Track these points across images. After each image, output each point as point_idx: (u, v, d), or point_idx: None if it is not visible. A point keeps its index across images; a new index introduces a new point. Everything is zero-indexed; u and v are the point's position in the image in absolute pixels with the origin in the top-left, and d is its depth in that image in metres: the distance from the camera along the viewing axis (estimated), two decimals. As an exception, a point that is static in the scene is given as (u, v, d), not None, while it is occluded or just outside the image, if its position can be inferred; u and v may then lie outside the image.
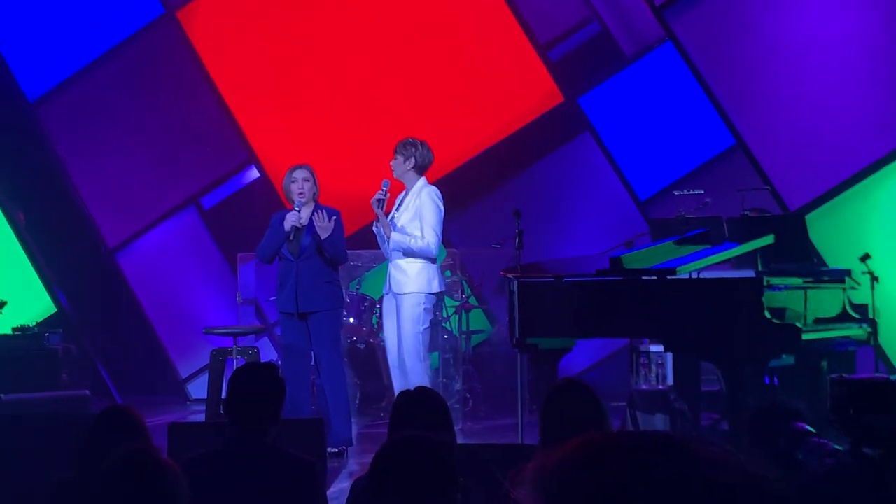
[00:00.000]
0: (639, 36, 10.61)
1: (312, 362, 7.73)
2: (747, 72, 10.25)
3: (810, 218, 8.65)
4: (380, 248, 7.69)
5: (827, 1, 10.18)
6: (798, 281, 6.91)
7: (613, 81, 10.62)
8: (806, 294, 6.84)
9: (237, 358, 8.60)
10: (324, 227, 7.35)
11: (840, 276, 7.41)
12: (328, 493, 5.14)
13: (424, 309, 7.43)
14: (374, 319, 9.66)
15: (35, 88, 11.18)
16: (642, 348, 8.42)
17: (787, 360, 6.78)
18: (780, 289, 6.64)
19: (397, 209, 7.58)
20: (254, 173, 11.15)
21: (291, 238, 7.48)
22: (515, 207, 7.40)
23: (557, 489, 1.26)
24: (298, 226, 7.46)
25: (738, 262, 7.17)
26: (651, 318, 6.45)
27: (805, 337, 6.41)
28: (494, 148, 10.79)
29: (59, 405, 9.05)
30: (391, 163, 7.57)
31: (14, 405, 8.84)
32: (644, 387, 8.14)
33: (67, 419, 6.51)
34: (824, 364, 7.17)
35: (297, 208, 7.48)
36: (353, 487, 3.84)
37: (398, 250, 7.43)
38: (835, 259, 9.40)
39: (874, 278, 8.04)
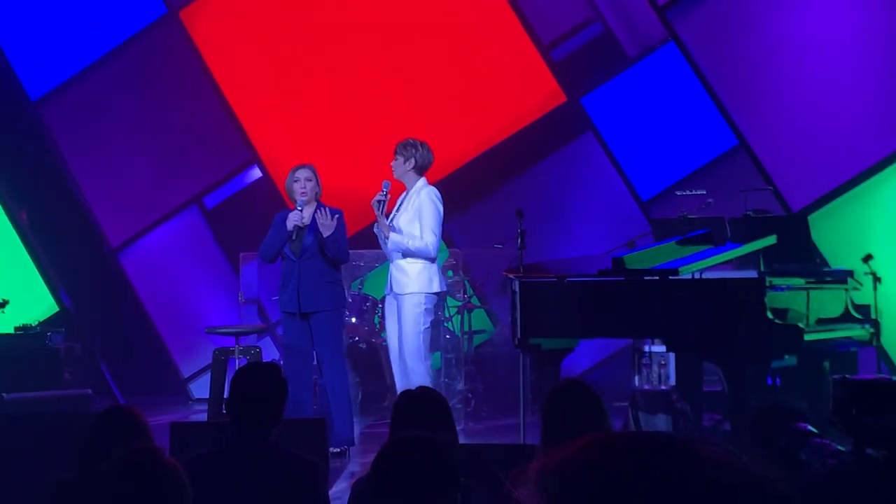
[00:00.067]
0: (642, 36, 10.60)
1: (314, 362, 7.72)
2: (750, 72, 10.24)
3: (813, 218, 8.64)
4: (381, 249, 7.71)
5: (830, 1, 10.17)
6: (800, 281, 6.90)
7: (616, 82, 10.62)
8: (808, 295, 6.83)
9: (239, 358, 8.60)
10: (326, 225, 7.36)
11: (842, 277, 7.40)
12: (330, 492, 5.14)
13: (425, 309, 7.43)
14: (376, 319, 9.67)
15: (38, 88, 11.18)
16: (644, 348, 8.42)
17: (790, 360, 6.77)
18: (782, 289, 6.63)
19: (397, 210, 7.59)
20: (256, 173, 11.16)
21: (294, 238, 7.49)
22: (518, 207, 7.40)
23: (559, 489, 1.26)
24: (301, 225, 7.46)
25: (741, 262, 7.16)
26: (653, 318, 6.44)
27: (807, 337, 6.40)
28: (497, 148, 10.79)
29: (62, 404, 9.06)
30: (391, 164, 7.58)
31: (16, 404, 8.84)
32: (646, 387, 8.13)
33: (69, 418, 6.50)
34: (826, 365, 7.17)
35: (299, 208, 7.48)
36: (354, 487, 3.84)
37: (397, 251, 7.45)
38: (837, 260, 9.39)
39: (877, 279, 8.03)
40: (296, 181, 7.54)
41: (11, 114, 11.10)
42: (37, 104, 11.18)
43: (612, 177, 10.56)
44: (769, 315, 6.28)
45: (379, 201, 7.44)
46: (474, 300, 10.09)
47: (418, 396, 4.04)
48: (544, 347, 6.87)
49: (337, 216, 7.43)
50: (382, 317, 9.19)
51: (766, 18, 10.25)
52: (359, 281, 9.84)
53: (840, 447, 3.77)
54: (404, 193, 7.64)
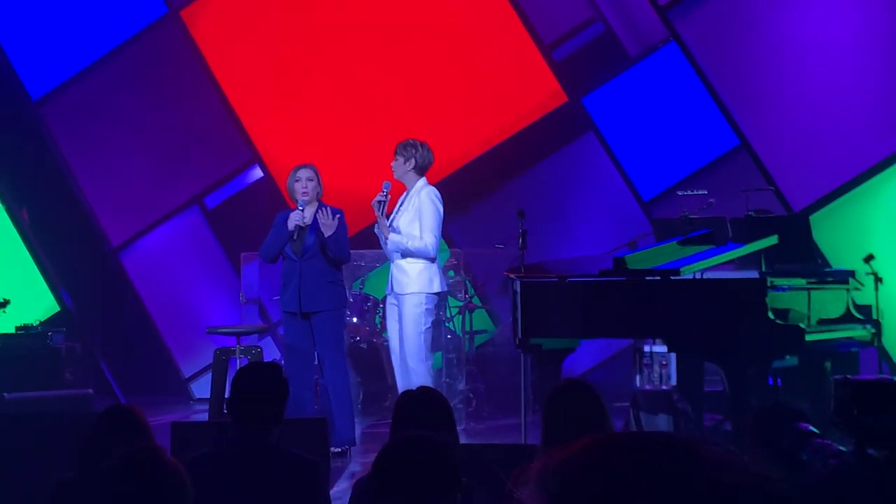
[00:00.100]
0: (643, 36, 10.60)
1: (316, 362, 7.72)
2: (751, 72, 10.24)
3: (814, 218, 8.64)
4: (382, 249, 7.72)
5: (832, 1, 10.17)
6: (802, 282, 6.90)
7: (617, 81, 10.61)
8: (810, 295, 6.83)
9: (240, 357, 8.60)
10: (328, 225, 7.36)
11: (844, 277, 7.40)
12: (331, 492, 5.14)
13: (426, 309, 7.44)
14: (378, 319, 9.67)
15: (38, 87, 11.18)
16: (646, 349, 8.42)
17: (791, 360, 6.77)
18: (783, 289, 6.63)
19: (398, 210, 7.60)
20: (257, 173, 11.16)
21: (295, 237, 7.49)
22: (519, 207, 7.40)
23: (560, 489, 1.26)
24: (302, 225, 7.46)
25: (742, 262, 7.16)
26: (655, 318, 6.44)
27: (809, 338, 6.40)
28: (498, 148, 10.79)
29: (63, 404, 9.06)
30: (391, 164, 7.60)
31: (17, 404, 8.84)
32: (647, 387, 8.13)
33: (70, 418, 6.51)
34: (828, 365, 7.16)
35: (300, 208, 7.48)
36: (356, 487, 3.84)
37: (396, 251, 7.46)
38: (839, 260, 9.39)
39: (878, 279, 8.02)
40: (297, 181, 7.55)
41: (12, 113, 11.10)
42: (37, 104, 11.18)
43: (613, 177, 10.56)
44: (770, 315, 6.28)
45: (379, 202, 7.45)
46: (475, 300, 10.09)
47: (419, 396, 4.04)
48: (545, 347, 6.86)
49: (338, 216, 7.44)
50: (383, 317, 9.19)
51: (768, 18, 10.25)
52: (360, 281, 9.84)
53: (841, 447, 3.77)
54: (405, 194, 7.64)
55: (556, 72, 10.70)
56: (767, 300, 6.29)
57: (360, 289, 9.81)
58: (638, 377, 8.43)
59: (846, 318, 7.15)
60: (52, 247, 11.06)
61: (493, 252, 9.60)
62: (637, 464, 1.25)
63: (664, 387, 8.05)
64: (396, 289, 7.50)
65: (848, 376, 4.49)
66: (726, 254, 6.82)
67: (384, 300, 8.36)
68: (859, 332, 7.21)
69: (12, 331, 9.55)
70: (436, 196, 7.53)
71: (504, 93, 10.77)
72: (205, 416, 9.15)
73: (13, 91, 11.11)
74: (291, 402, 4.21)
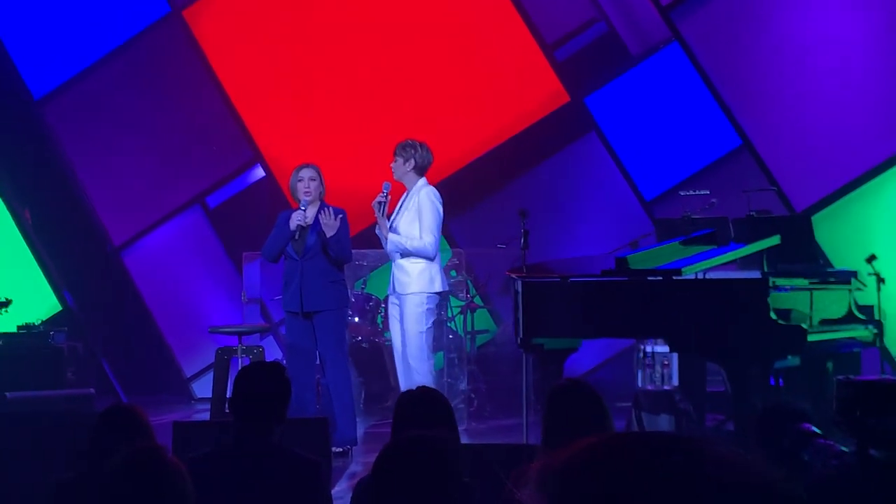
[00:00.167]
0: (645, 36, 10.59)
1: (317, 362, 7.72)
2: (753, 72, 10.24)
3: (816, 219, 8.63)
4: (384, 249, 7.73)
5: (834, 1, 10.16)
6: (804, 282, 6.89)
7: (620, 81, 10.61)
8: (812, 295, 6.82)
9: (242, 357, 8.60)
10: (330, 225, 7.36)
11: (846, 278, 7.39)
12: (332, 492, 5.13)
13: (427, 309, 7.44)
14: (379, 319, 9.67)
15: (41, 86, 11.19)
16: (648, 349, 8.41)
17: (793, 361, 6.76)
18: (785, 290, 6.62)
19: (398, 211, 7.60)
20: (259, 172, 11.16)
21: (297, 237, 7.49)
22: (521, 207, 7.40)
23: (561, 490, 1.26)
24: (304, 225, 7.46)
25: (744, 262, 7.16)
26: (656, 318, 6.43)
27: (811, 338, 6.39)
28: (500, 147, 10.78)
29: (64, 404, 9.06)
30: (391, 165, 7.61)
31: (19, 403, 8.84)
32: (649, 387, 8.13)
33: (72, 418, 6.51)
34: (830, 365, 7.16)
35: (302, 207, 7.48)
36: (357, 487, 3.83)
37: (396, 251, 7.47)
38: (841, 260, 9.38)
39: (880, 280, 8.02)
40: (299, 181, 7.55)
41: (14, 112, 11.10)
42: (40, 103, 11.18)
43: (615, 177, 10.55)
44: (772, 315, 6.27)
45: (379, 203, 7.47)
46: (477, 300, 10.08)
47: (420, 396, 4.04)
48: (547, 347, 6.86)
49: (340, 216, 7.44)
50: (385, 316, 9.19)
51: (770, 18, 10.24)
52: (362, 280, 9.84)
53: (843, 448, 3.77)
54: (405, 194, 7.65)
55: (559, 71, 10.70)
56: (769, 300, 6.28)
57: (362, 288, 9.81)
58: (640, 377, 8.43)
59: (848, 319, 7.14)
60: (53, 246, 11.06)
61: (494, 252, 9.60)
62: (639, 464, 1.25)
63: (666, 387, 8.05)
64: (398, 289, 7.51)
65: (850, 377, 4.48)
66: (728, 254, 6.82)
67: (386, 300, 8.37)
68: (861, 333, 7.20)
69: (14, 330, 9.55)
70: (435, 196, 7.54)
71: (506, 92, 10.77)
72: (206, 416, 9.15)
73: (15, 90, 11.11)
74: (293, 402, 4.21)
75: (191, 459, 3.52)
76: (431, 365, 7.55)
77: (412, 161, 7.55)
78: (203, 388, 10.67)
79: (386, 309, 8.71)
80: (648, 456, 1.26)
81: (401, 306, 7.49)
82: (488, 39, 10.82)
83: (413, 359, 7.38)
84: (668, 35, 10.43)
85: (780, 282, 6.62)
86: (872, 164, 9.95)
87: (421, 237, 7.42)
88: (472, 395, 9.46)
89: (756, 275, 6.86)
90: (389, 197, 7.51)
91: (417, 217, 7.46)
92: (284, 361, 8.43)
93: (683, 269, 6.48)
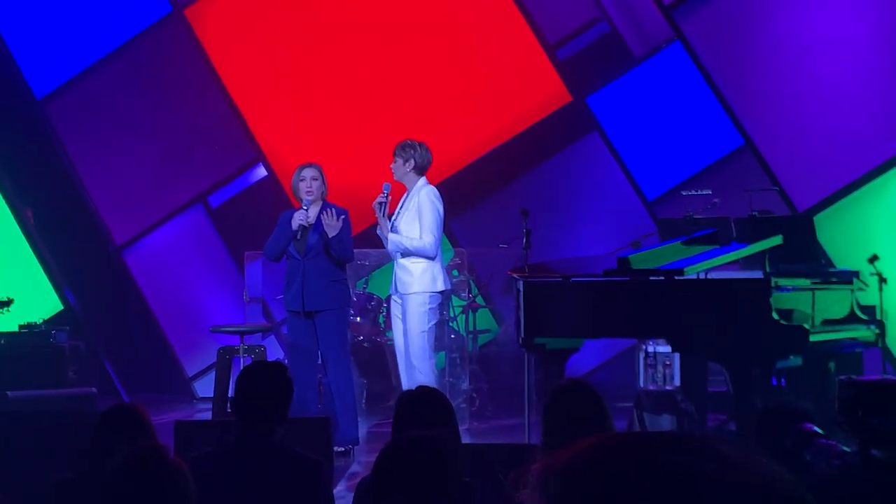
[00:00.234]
0: (647, 36, 10.59)
1: (319, 361, 7.72)
2: (756, 72, 10.23)
3: (818, 219, 8.63)
4: (385, 249, 7.74)
5: (837, 1, 10.15)
6: (806, 282, 6.89)
7: (622, 81, 10.61)
8: (814, 295, 6.82)
9: (244, 356, 8.60)
10: (332, 226, 7.36)
11: (848, 278, 7.39)
12: (334, 491, 5.13)
13: (430, 308, 7.45)
14: (381, 318, 9.67)
15: (43, 86, 11.18)
16: (649, 349, 8.41)
17: (795, 361, 6.76)
18: (787, 290, 6.62)
19: (399, 211, 7.61)
20: (261, 171, 11.16)
21: (299, 237, 7.49)
22: (523, 207, 7.41)
23: (562, 490, 1.25)
24: (306, 224, 7.46)
25: (746, 262, 7.15)
26: (658, 318, 6.43)
27: (813, 338, 6.39)
28: (502, 147, 10.78)
29: (66, 403, 9.06)
30: (391, 166, 7.62)
31: (21, 402, 8.84)
32: (651, 387, 8.13)
33: (73, 417, 6.51)
34: (832, 365, 7.16)
35: (305, 207, 7.48)
36: (359, 487, 3.83)
37: (397, 251, 7.48)
38: (843, 260, 9.37)
39: (882, 280, 8.01)
40: (302, 180, 7.55)
41: (17, 112, 11.10)
42: (41, 102, 11.18)
43: (617, 176, 10.55)
44: (774, 315, 6.27)
45: (380, 203, 7.48)
46: (479, 300, 10.08)
47: (420, 396, 4.04)
48: (549, 347, 6.85)
49: (342, 217, 7.44)
50: (387, 316, 9.19)
51: (772, 18, 10.24)
52: (364, 280, 9.84)
53: (845, 448, 3.77)
54: (405, 194, 7.66)
55: (561, 71, 10.69)
56: (771, 300, 6.28)
57: (364, 288, 9.81)
58: (641, 377, 8.43)
59: (850, 319, 7.14)
60: (55, 245, 11.06)
61: (496, 251, 9.59)
62: (640, 464, 1.24)
63: (668, 387, 8.04)
64: (400, 288, 7.51)
65: (852, 377, 4.47)
66: (730, 254, 6.81)
67: (388, 299, 8.37)
68: (863, 333, 7.20)
69: (16, 329, 9.55)
70: (435, 196, 7.54)
71: (508, 92, 10.76)
72: (208, 415, 9.15)
73: (17, 89, 11.11)
74: (295, 402, 4.21)
75: (193, 459, 3.52)
76: (433, 364, 7.56)
77: (412, 161, 7.55)
78: (205, 387, 10.67)
79: (388, 308, 8.71)
80: (650, 456, 1.25)
81: (403, 306, 7.49)
82: (490, 39, 10.82)
83: (415, 358, 7.38)
84: (671, 35, 10.42)
85: (782, 282, 6.62)
86: (875, 163, 9.95)
87: (421, 237, 7.43)
88: (474, 395, 9.46)
89: (758, 275, 6.86)
90: (390, 197, 7.52)
91: (418, 217, 7.46)
92: (286, 361, 8.43)
93: (685, 269, 6.48)
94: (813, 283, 6.93)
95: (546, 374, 6.91)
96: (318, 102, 10.96)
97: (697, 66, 10.31)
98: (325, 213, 7.41)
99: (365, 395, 9.47)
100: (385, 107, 10.82)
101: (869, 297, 7.71)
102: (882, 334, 7.39)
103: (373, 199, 7.58)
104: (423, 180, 7.59)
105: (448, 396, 4.28)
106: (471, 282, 9.99)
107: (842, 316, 7.08)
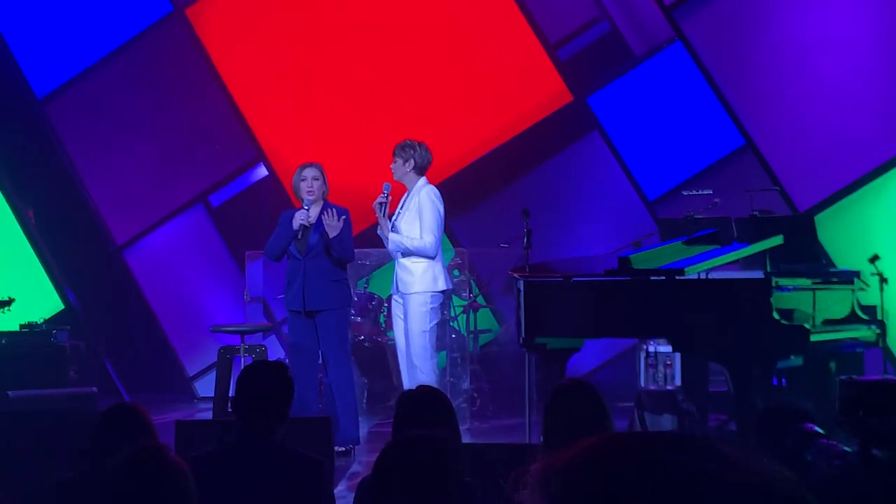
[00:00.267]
0: (648, 35, 10.59)
1: (320, 361, 7.73)
2: (757, 72, 10.23)
3: (819, 219, 8.62)
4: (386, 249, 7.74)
5: (837, 1, 10.15)
6: (807, 282, 6.89)
7: (622, 81, 10.60)
8: (814, 295, 6.82)
9: (245, 356, 8.60)
10: (332, 226, 7.37)
11: (849, 278, 7.39)
12: (335, 491, 5.13)
13: (431, 308, 7.45)
14: (382, 318, 9.67)
15: (43, 86, 11.18)
16: (650, 349, 8.41)
17: (796, 361, 6.76)
18: (788, 290, 6.62)
19: (399, 211, 7.62)
20: (262, 171, 11.15)
21: (299, 236, 7.49)
22: (524, 207, 7.41)
23: (563, 490, 1.25)
24: (307, 224, 7.47)
25: (747, 262, 7.15)
26: (659, 318, 6.43)
27: (813, 338, 6.39)
28: (503, 147, 10.78)
29: (67, 402, 9.05)
30: (391, 166, 7.63)
31: (21, 402, 8.84)
32: (652, 387, 8.12)
33: (74, 416, 6.51)
34: (833, 365, 7.16)
35: (305, 207, 7.49)
36: (359, 487, 3.83)
37: (397, 251, 7.48)
38: (844, 260, 9.37)
39: (883, 280, 8.01)
40: (303, 180, 7.55)
41: (17, 112, 11.10)
42: (42, 102, 11.18)
43: (618, 176, 10.55)
44: (775, 315, 6.27)
45: (380, 203, 7.49)
46: (480, 299, 10.08)
47: (420, 396, 4.04)
48: (550, 347, 6.86)
49: (343, 217, 7.44)
50: (388, 315, 9.20)
51: (773, 18, 10.23)
52: (364, 280, 9.85)
53: (846, 448, 3.76)
54: (406, 194, 7.66)
55: (562, 71, 10.69)
56: (772, 300, 6.28)
57: (365, 288, 9.81)
58: (642, 377, 8.42)
59: (851, 319, 7.14)
60: (56, 245, 11.06)
61: (497, 251, 9.59)
62: (641, 464, 1.24)
63: (669, 387, 8.04)
64: (401, 288, 7.52)
65: (853, 377, 4.47)
66: (731, 254, 6.81)
67: (389, 299, 8.37)
68: (864, 333, 7.20)
69: (17, 329, 9.56)
70: (435, 195, 7.55)
71: (509, 92, 10.76)
72: (209, 415, 9.16)
73: (18, 89, 11.11)
74: (295, 401, 4.21)
75: (193, 458, 3.52)
76: (434, 364, 7.56)
77: (411, 161, 7.56)
78: (206, 387, 10.67)
79: (389, 308, 8.71)
80: (651, 456, 1.25)
81: (404, 305, 7.50)
82: (491, 38, 10.81)
83: (416, 358, 7.39)
84: (672, 35, 10.42)
85: (783, 282, 6.62)
86: (876, 163, 9.94)
87: (421, 237, 7.43)
88: (475, 395, 9.46)
89: (759, 275, 6.86)
90: (390, 197, 7.53)
91: (418, 217, 7.46)
92: (287, 361, 8.43)
93: (686, 269, 6.48)
94: (814, 283, 6.93)
95: (547, 373, 6.91)
96: (319, 102, 10.96)
97: (698, 65, 10.31)
98: (325, 212, 7.42)
99: (366, 394, 9.47)
100: (385, 107, 10.82)
101: (870, 297, 7.70)
102: (883, 334, 7.39)
103: (373, 199, 7.58)
104: (423, 180, 7.60)
105: (449, 396, 4.27)
106: (471, 282, 9.98)
107: (842, 316, 7.08)
